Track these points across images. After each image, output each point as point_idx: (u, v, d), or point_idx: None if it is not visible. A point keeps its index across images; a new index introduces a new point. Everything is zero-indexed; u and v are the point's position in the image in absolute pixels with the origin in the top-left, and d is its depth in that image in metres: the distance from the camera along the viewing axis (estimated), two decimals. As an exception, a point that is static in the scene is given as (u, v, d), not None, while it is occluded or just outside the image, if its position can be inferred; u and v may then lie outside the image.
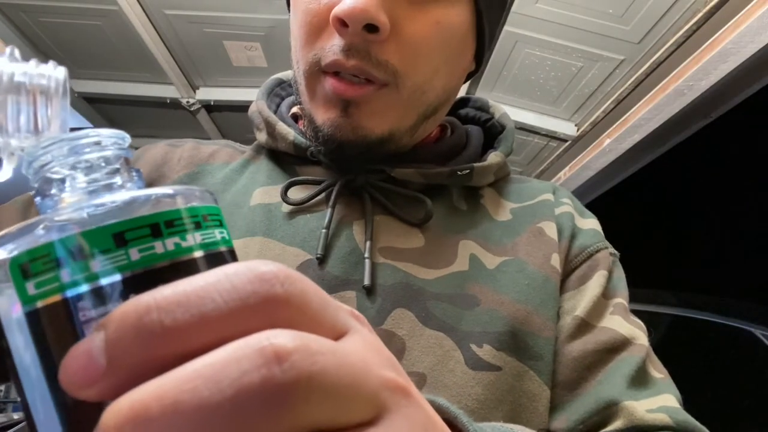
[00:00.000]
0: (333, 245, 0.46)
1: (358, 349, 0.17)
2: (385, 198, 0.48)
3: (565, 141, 1.82)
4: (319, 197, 0.48)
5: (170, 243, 0.16)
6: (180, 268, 0.16)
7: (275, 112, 0.55)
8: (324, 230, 0.45)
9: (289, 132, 0.51)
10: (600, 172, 1.75)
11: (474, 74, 0.54)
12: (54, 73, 0.19)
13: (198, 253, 0.17)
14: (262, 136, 0.54)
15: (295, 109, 0.57)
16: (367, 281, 0.43)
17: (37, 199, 0.18)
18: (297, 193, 0.48)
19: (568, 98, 1.64)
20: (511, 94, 1.67)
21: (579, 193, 1.90)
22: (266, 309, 0.15)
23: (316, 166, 0.51)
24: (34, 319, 0.15)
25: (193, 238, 0.17)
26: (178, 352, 0.14)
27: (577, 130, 1.76)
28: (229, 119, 2.01)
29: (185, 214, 0.17)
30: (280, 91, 0.59)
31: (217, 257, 0.18)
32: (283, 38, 1.57)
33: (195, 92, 1.85)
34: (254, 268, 0.15)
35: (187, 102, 1.85)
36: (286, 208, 0.48)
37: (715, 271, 3.12)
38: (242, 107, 1.87)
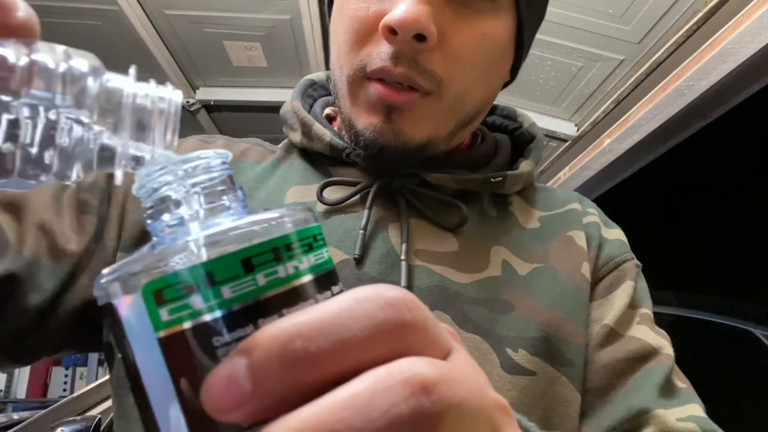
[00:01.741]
0: (369, 246, 0.46)
1: (469, 370, 0.17)
2: (419, 202, 0.49)
3: (565, 141, 1.82)
4: (354, 198, 0.49)
5: (290, 267, 0.17)
6: (299, 291, 0.17)
7: (308, 113, 0.56)
8: (362, 231, 0.46)
9: (325, 133, 0.51)
10: (600, 172, 1.75)
11: (508, 84, 0.55)
12: (172, 95, 0.19)
13: (313, 275, 0.17)
14: (296, 136, 0.54)
15: (328, 110, 0.58)
16: (404, 283, 0.44)
17: (150, 221, 0.18)
18: (332, 194, 0.49)
19: (568, 98, 1.64)
20: (510, 94, 1.67)
21: (579, 193, 1.90)
22: (397, 335, 0.15)
23: (350, 168, 0.52)
24: (166, 344, 0.16)
25: (308, 260, 0.17)
26: (319, 379, 0.14)
27: (577, 130, 1.76)
28: (229, 119, 2.00)
29: (300, 237, 0.17)
30: (312, 92, 0.60)
31: (328, 277, 0.18)
32: (283, 38, 1.57)
33: (195, 92, 1.85)
34: (382, 293, 0.16)
35: (187, 102, 1.84)
36: (321, 207, 0.49)
37: (716, 271, 3.12)
38: (242, 107, 1.87)
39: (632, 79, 1.46)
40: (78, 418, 1.20)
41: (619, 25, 1.32)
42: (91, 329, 0.45)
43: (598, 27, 1.34)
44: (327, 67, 1.68)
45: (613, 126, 1.61)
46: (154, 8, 1.46)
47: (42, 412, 1.31)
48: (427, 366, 0.15)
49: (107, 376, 1.57)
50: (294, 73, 1.73)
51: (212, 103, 1.86)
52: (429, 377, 0.14)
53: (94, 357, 3.11)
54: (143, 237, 0.47)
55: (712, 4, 1.16)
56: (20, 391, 2.84)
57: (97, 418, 1.16)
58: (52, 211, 0.45)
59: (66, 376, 3.10)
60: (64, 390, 3.04)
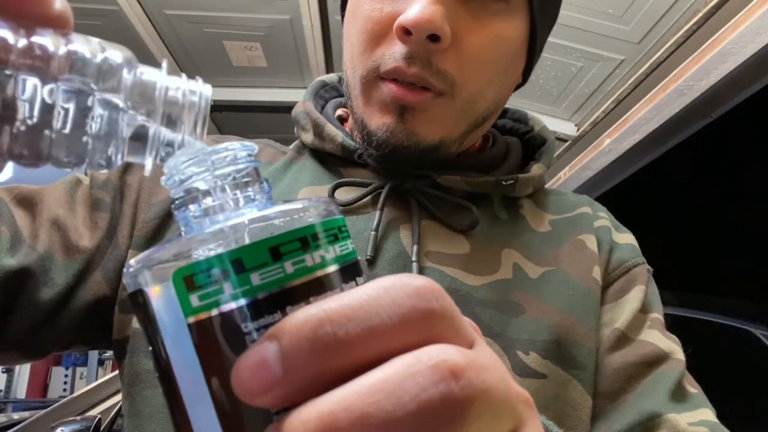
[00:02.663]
0: (381, 248, 0.46)
1: (494, 361, 0.17)
2: (430, 203, 0.49)
3: (565, 141, 1.83)
4: (365, 199, 0.49)
5: (317, 256, 0.17)
6: (326, 280, 0.17)
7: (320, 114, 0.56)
8: (373, 232, 0.46)
9: (337, 134, 0.51)
10: (600, 172, 1.75)
11: (520, 87, 0.55)
12: (203, 89, 0.20)
13: (339, 265, 0.18)
14: (307, 137, 0.55)
15: (339, 112, 0.59)
16: None
17: (178, 211, 0.18)
18: (343, 195, 0.49)
19: (568, 98, 1.64)
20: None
21: (579, 193, 1.90)
22: (425, 323, 0.16)
23: (361, 169, 0.52)
24: (196, 330, 0.16)
25: (334, 250, 0.18)
26: (348, 365, 0.15)
27: (577, 130, 1.76)
28: (229, 119, 2.00)
29: (326, 227, 0.18)
30: (324, 94, 0.60)
31: (353, 268, 0.18)
32: (283, 38, 1.57)
33: (195, 92, 1.85)
34: (408, 282, 0.16)
35: (187, 102, 1.84)
36: None
37: (715, 271, 3.12)
38: (242, 107, 1.87)
39: (632, 79, 1.46)
40: (78, 418, 1.20)
41: (619, 25, 1.32)
42: (102, 326, 0.46)
43: (598, 27, 1.34)
44: (327, 67, 1.68)
45: (613, 126, 1.61)
46: (154, 8, 1.46)
47: (42, 412, 1.31)
48: (456, 353, 0.15)
49: (107, 376, 1.57)
50: (294, 73, 1.73)
51: (212, 103, 1.85)
52: (458, 363, 0.15)
53: (94, 357, 3.11)
54: (154, 236, 0.47)
55: (712, 4, 1.16)
56: (20, 391, 2.84)
57: (97, 418, 1.16)
58: (65, 207, 0.46)
59: (66, 376, 3.11)
60: (64, 390, 3.04)
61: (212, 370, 0.16)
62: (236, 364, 0.15)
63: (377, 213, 0.47)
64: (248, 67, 1.71)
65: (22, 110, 0.17)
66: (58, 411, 1.32)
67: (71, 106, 0.18)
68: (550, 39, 0.53)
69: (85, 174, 0.51)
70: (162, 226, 0.47)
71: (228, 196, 0.18)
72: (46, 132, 0.18)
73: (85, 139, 0.18)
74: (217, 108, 1.92)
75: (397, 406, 0.14)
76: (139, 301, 0.17)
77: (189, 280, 0.16)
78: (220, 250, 0.16)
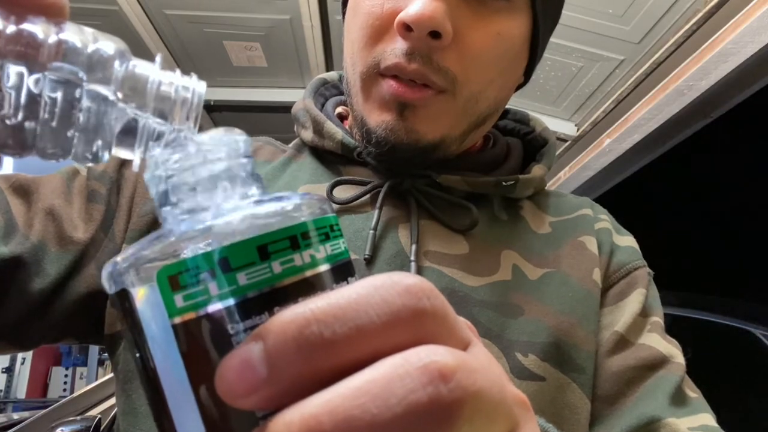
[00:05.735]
0: (379, 247, 0.46)
1: (488, 362, 0.17)
2: (430, 203, 0.48)
3: (565, 141, 1.83)
4: (364, 198, 0.48)
5: (306, 255, 0.16)
6: (315, 280, 0.16)
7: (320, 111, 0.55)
8: (372, 231, 0.45)
9: (337, 131, 0.51)
10: (600, 172, 1.75)
11: (521, 87, 0.54)
12: (197, 86, 0.19)
13: (330, 265, 0.17)
14: (307, 134, 0.54)
15: (340, 109, 0.58)
16: None
17: (163, 207, 0.18)
18: (342, 193, 0.48)
19: (568, 98, 1.64)
20: (511, 94, 1.67)
21: (579, 193, 1.90)
22: (415, 323, 0.15)
23: (361, 167, 0.51)
24: (181, 331, 0.15)
25: (325, 249, 0.17)
26: (335, 366, 0.14)
27: (577, 130, 1.76)
28: (229, 119, 2.00)
29: (317, 226, 0.17)
30: (324, 91, 0.60)
31: (345, 268, 0.18)
32: (283, 38, 1.57)
33: (195, 92, 1.85)
34: (399, 281, 0.15)
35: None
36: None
37: (715, 271, 3.12)
38: (242, 107, 1.87)
39: (632, 79, 1.46)
40: (78, 418, 1.20)
41: (619, 25, 1.32)
42: (94, 320, 0.45)
43: (598, 27, 1.34)
44: (327, 67, 1.68)
45: (613, 126, 1.61)
46: (154, 8, 1.46)
47: (42, 412, 1.31)
48: (446, 353, 0.14)
49: (107, 376, 1.57)
50: (294, 73, 1.73)
51: (212, 103, 1.86)
52: (447, 365, 0.14)
53: (94, 357, 3.11)
54: (149, 230, 0.47)
55: (712, 4, 1.16)
56: (20, 391, 2.84)
57: (97, 418, 1.16)
58: (61, 197, 0.45)
59: (66, 376, 3.11)
60: (64, 390, 3.04)
61: (197, 372, 0.15)
62: (220, 365, 0.14)
63: (376, 212, 0.46)
64: (248, 66, 1.71)
65: (7, 99, 0.17)
66: (58, 411, 1.32)
67: (58, 97, 0.17)
68: (550, 39, 0.53)
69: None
70: (157, 221, 0.47)
71: (217, 192, 0.18)
72: (31, 122, 0.17)
73: (72, 130, 0.18)
74: (217, 108, 1.92)
75: (384, 409, 0.13)
76: (123, 301, 0.17)
77: (174, 279, 0.15)
78: (205, 249, 0.15)
